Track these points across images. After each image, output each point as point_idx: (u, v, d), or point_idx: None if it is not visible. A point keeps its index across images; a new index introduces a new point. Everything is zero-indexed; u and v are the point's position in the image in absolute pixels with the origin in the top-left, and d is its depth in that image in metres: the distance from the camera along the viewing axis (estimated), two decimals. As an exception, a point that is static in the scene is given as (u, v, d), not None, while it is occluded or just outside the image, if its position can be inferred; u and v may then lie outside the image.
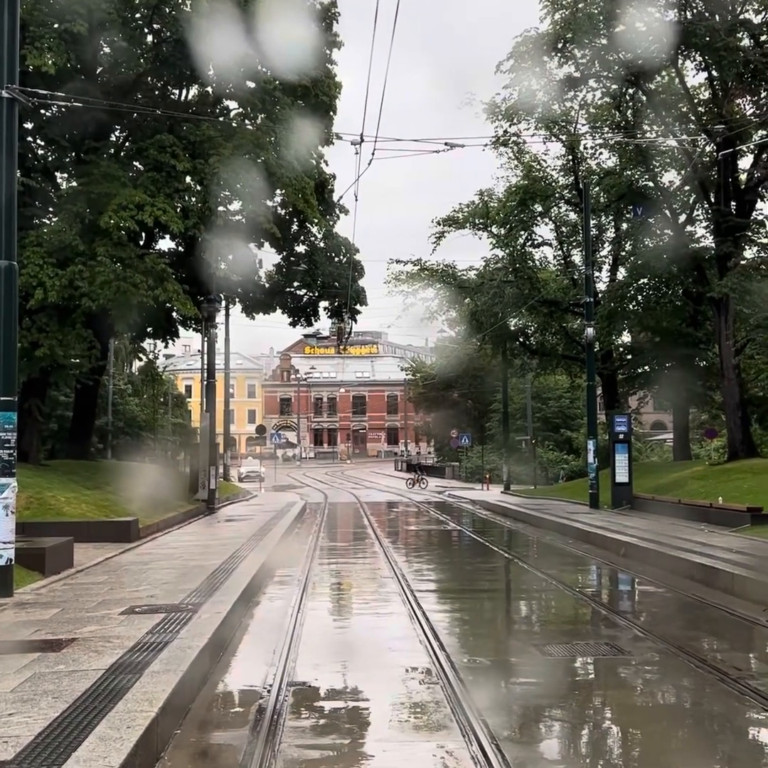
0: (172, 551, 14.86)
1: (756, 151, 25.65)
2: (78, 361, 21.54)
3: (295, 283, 29.31)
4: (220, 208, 22.28)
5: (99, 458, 30.47)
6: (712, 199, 26.26)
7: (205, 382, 27.84)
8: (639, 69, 25.07)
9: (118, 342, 36.85)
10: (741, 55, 23.51)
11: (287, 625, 9.38)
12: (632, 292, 31.15)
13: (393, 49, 21.41)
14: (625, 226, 32.44)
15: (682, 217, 29.33)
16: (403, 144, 24.03)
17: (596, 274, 31.13)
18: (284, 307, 30.02)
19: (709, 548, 13.95)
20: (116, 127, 23.25)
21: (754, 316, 25.57)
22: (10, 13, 10.26)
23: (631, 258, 31.95)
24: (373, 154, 16.44)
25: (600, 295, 31.04)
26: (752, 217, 26.72)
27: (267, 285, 29.08)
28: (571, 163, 31.48)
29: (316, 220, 25.14)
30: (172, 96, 24.40)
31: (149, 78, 23.31)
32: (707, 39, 23.45)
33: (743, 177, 26.37)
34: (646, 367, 35.31)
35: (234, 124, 23.15)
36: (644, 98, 27.17)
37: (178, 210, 20.86)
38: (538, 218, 33.57)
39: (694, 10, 24.60)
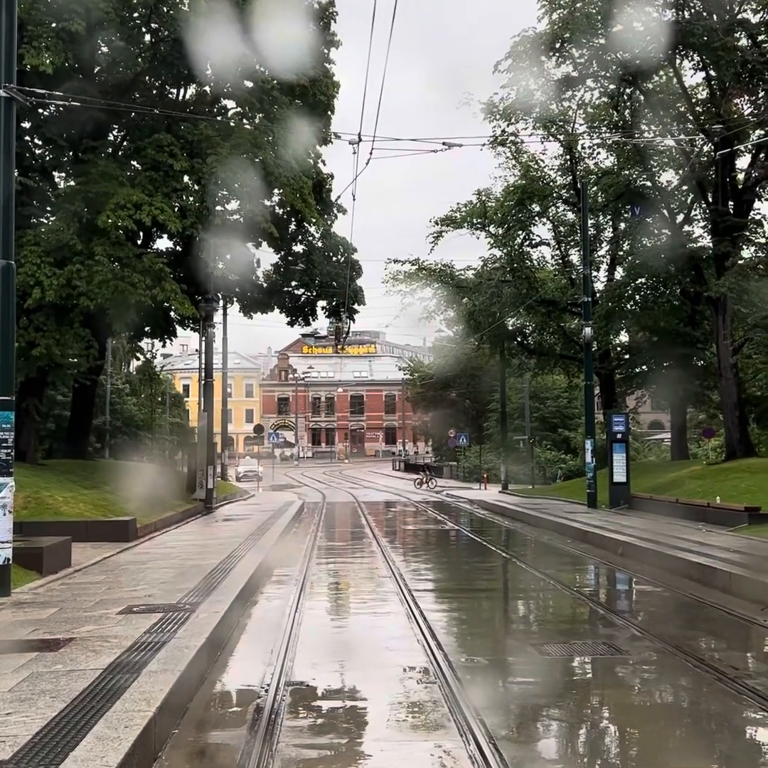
0: (170, 551, 14.85)
1: (754, 151, 25.67)
2: (76, 360, 21.54)
3: (293, 283, 29.32)
4: (218, 208, 22.28)
5: (96, 458, 30.44)
6: (710, 199, 26.28)
7: (202, 382, 27.82)
8: (637, 69, 25.08)
9: (115, 341, 36.87)
10: (739, 55, 23.53)
11: (285, 625, 9.38)
12: (630, 292, 31.18)
13: (391, 48, 21.44)
14: (622, 225, 32.46)
15: (680, 217, 29.33)
16: (400, 143, 23.97)
17: (594, 273, 31.12)
18: (282, 307, 30.03)
19: (707, 548, 13.97)
20: (114, 126, 23.25)
21: (751, 316, 25.57)
22: (8, 13, 10.24)
23: (629, 257, 31.98)
24: (370, 153, 16.45)
25: (598, 295, 31.02)
26: (750, 217, 26.74)
27: (265, 284, 29.07)
28: (568, 162, 31.48)
29: (313, 220, 25.14)
30: (170, 95, 24.40)
31: (147, 77, 23.30)
32: (705, 39, 23.46)
33: (741, 177, 26.40)
34: (643, 367, 35.33)
35: (232, 124, 23.14)
36: (642, 98, 27.18)
37: (176, 209, 20.87)
38: (536, 218, 33.57)
39: (692, 10, 24.60)
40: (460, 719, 6.10)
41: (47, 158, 22.75)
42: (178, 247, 25.16)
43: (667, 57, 24.78)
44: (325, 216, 27.41)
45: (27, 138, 21.62)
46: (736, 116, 24.37)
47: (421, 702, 6.77)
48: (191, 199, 21.81)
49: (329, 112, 24.68)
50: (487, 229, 34.42)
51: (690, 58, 25.52)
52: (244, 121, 23.50)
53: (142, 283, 19.55)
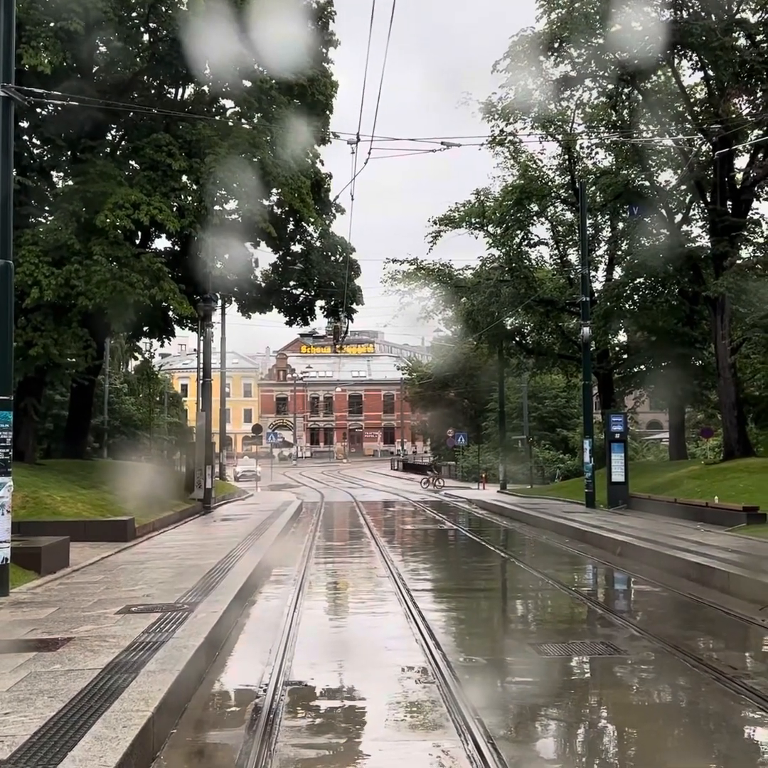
0: (168, 550, 14.85)
1: (752, 151, 25.70)
2: (74, 360, 21.54)
3: (292, 282, 29.33)
4: (216, 207, 22.27)
5: (95, 457, 30.43)
6: (708, 199, 26.30)
7: (200, 381, 27.83)
8: (635, 68, 25.10)
9: (114, 341, 36.81)
10: (737, 55, 23.55)
11: (283, 625, 9.38)
12: (628, 292, 31.19)
13: (389, 48, 21.39)
14: (621, 225, 32.48)
15: (679, 217, 29.35)
16: (399, 143, 24.07)
17: (592, 273, 31.15)
18: (280, 306, 30.04)
19: (705, 547, 13.97)
20: (112, 126, 23.25)
21: (750, 316, 25.58)
22: (6, 12, 10.24)
23: (628, 257, 31.99)
24: (369, 153, 16.51)
25: (596, 295, 31.03)
26: (748, 217, 26.78)
27: (263, 284, 29.08)
28: (567, 162, 31.49)
29: (312, 220, 25.15)
30: (169, 95, 24.39)
31: (145, 77, 23.30)
32: (703, 38, 23.47)
33: (739, 176, 26.44)
34: (642, 367, 35.35)
35: (230, 123, 23.13)
36: (640, 98, 27.21)
37: (174, 209, 20.86)
38: (535, 217, 33.60)
39: (690, 10, 24.63)
40: (459, 719, 6.10)
41: (45, 158, 22.73)
42: (176, 247, 25.17)
43: (666, 57, 24.80)
44: (324, 216, 27.42)
45: (25, 137, 21.60)
46: (734, 116, 24.40)
47: (419, 702, 6.77)
48: (189, 198, 21.81)
49: (328, 112, 24.68)
50: (485, 228, 34.44)
51: (688, 58, 25.56)
52: (243, 120, 23.49)
53: (140, 282, 19.54)
